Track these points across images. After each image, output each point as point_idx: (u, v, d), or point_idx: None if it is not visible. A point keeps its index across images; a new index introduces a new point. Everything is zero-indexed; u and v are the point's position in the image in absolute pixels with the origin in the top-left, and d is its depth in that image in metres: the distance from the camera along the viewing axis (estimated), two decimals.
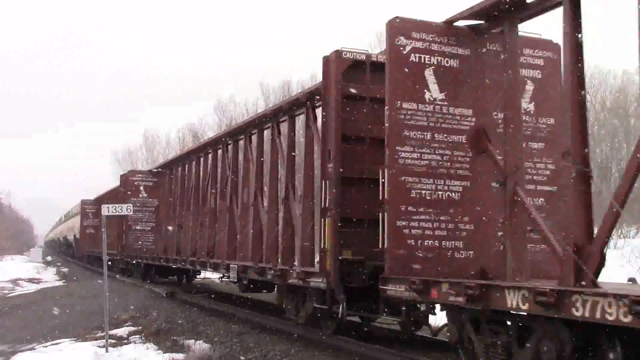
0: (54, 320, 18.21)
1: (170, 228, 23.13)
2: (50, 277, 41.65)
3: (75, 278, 37.64)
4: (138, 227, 26.55)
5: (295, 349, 11.17)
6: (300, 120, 14.33)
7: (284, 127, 14.44)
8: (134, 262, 27.41)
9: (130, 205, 14.82)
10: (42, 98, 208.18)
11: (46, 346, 13.64)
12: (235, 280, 15.92)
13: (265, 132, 15.83)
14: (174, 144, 70.12)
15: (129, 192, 26.19)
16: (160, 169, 26.89)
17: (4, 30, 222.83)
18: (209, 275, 24.23)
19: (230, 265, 15.81)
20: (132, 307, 18.37)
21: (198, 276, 25.32)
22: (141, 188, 26.34)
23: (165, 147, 73.98)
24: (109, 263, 34.73)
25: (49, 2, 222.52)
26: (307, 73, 57.41)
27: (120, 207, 13.88)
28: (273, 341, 12.03)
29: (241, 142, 17.22)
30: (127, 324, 15.78)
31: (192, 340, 12.80)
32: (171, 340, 13.14)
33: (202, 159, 20.82)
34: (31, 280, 38.53)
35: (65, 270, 48.10)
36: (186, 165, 22.41)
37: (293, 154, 13.81)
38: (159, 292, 22.12)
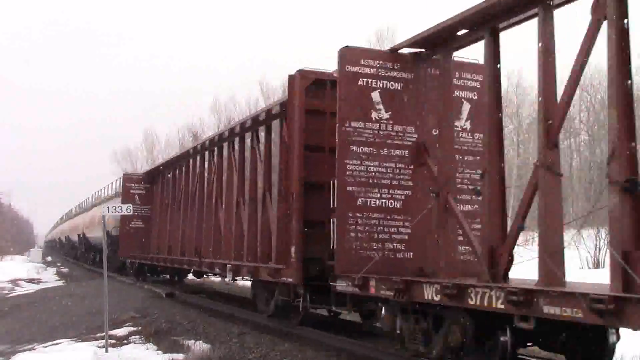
0: (53, 320, 18.20)
1: None
2: (50, 278, 41.67)
3: (74, 279, 37.64)
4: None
5: (296, 350, 11.16)
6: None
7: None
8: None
9: (131, 205, 13.60)
10: (40, 95, 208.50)
11: (46, 346, 13.64)
12: None
13: None
14: (174, 143, 70.26)
15: (337, 110, 10.24)
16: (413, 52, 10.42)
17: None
18: None
19: None
20: (132, 307, 18.36)
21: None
22: (373, 95, 10.17)
23: (165, 147, 74.11)
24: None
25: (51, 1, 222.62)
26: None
27: (119, 207, 13.17)
28: (273, 341, 12.02)
29: None
30: (127, 324, 15.76)
31: (192, 340, 12.80)
32: (171, 340, 13.12)
33: None
34: (31, 281, 38.56)
35: (65, 270, 48.12)
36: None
37: None
38: (159, 292, 22.10)
